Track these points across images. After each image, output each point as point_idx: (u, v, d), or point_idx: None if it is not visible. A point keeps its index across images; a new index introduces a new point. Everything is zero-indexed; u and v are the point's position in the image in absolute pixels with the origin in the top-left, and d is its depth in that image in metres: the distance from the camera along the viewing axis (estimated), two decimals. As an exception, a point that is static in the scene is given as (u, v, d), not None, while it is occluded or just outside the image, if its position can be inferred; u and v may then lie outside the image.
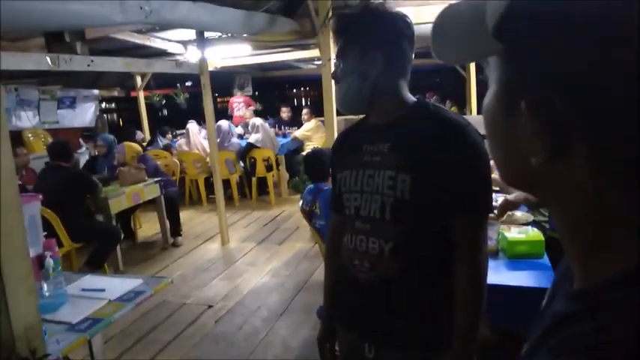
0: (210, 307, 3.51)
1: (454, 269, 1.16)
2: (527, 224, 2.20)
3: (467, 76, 6.76)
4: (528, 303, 1.72)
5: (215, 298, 3.66)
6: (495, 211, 2.29)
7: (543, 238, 1.93)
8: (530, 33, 0.38)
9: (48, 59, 3.01)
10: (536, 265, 1.86)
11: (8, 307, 1.21)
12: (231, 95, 9.67)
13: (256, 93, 9.41)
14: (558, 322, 0.41)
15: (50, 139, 6.86)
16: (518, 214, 2.39)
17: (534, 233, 1.96)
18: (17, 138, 6.26)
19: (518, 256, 1.91)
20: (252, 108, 8.52)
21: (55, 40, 3.46)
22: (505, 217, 2.38)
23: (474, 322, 1.15)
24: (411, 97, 1.23)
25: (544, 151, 0.38)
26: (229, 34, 5.17)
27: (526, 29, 0.38)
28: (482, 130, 1.17)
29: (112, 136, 5.71)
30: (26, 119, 6.13)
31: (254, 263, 4.36)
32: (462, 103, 7.73)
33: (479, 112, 6.54)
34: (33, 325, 1.28)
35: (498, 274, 1.82)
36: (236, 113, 8.83)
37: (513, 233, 1.97)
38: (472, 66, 6.54)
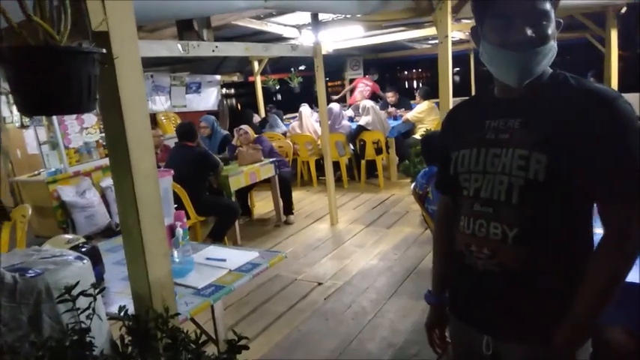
0: (319, 284, 3.61)
1: (593, 256, 1.04)
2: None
3: (606, 51, 5.99)
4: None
5: (324, 276, 3.76)
6: None
7: None
8: None
9: (179, 46, 3.27)
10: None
11: (147, 267, 1.34)
12: (343, 79, 9.71)
13: (376, 78, 9.28)
14: None
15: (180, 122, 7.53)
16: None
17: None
18: (152, 120, 6.97)
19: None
20: (367, 93, 8.35)
21: (185, 29, 3.75)
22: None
23: (588, 318, 1.04)
24: (547, 68, 1.09)
25: None
26: (343, 16, 5.17)
27: None
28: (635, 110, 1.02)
29: (213, 117, 6.02)
30: (160, 103, 6.79)
31: (362, 245, 4.38)
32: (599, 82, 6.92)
33: (620, 91, 5.80)
34: (166, 286, 1.40)
35: (644, 272, 1.59)
36: (357, 93, 8.60)
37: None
38: (613, 39, 5.78)
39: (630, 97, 1.04)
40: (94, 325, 1.25)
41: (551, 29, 1.03)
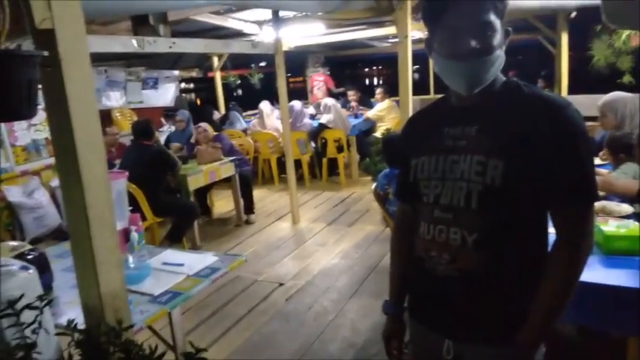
0: (281, 285, 3.59)
1: (548, 260, 1.08)
2: (626, 217, 1.99)
3: (557, 52, 6.24)
4: (624, 304, 1.57)
5: (286, 276, 3.73)
6: None
7: (647, 234, 1.73)
8: None
9: (134, 42, 3.15)
10: (637, 264, 1.68)
11: (98, 278, 1.27)
12: (304, 75, 9.67)
13: (328, 72, 9.30)
14: None
15: (136, 118, 7.29)
16: (615, 205, 2.17)
17: (636, 228, 1.76)
18: (107, 117, 6.70)
19: (615, 253, 1.73)
20: (323, 87, 8.42)
21: (141, 24, 3.62)
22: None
23: (549, 319, 1.07)
24: (500, 76, 1.12)
25: None
26: (304, 13, 5.13)
27: None
28: (583, 112, 1.06)
29: (188, 112, 5.94)
30: (114, 99, 6.55)
31: (324, 244, 4.38)
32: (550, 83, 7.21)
33: (569, 92, 6.06)
34: (119, 296, 1.34)
35: (592, 271, 1.66)
36: (315, 92, 8.72)
37: (611, 227, 1.78)
38: (564, 41, 6.02)
39: (580, 99, 1.08)
40: (40, 340, 1.17)
41: (496, 40, 1.05)
